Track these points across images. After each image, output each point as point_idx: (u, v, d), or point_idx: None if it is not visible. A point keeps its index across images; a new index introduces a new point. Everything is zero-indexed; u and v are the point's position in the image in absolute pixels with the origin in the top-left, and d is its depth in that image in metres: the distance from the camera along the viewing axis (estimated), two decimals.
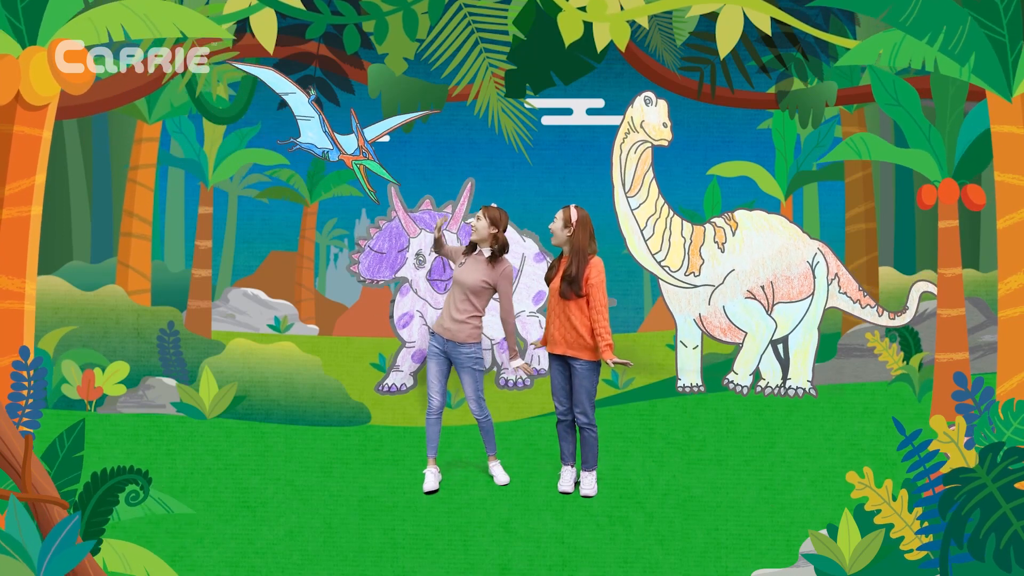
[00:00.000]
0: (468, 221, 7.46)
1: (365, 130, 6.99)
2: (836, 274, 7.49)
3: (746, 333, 7.36)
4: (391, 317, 7.62)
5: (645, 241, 7.21)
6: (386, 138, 7.31)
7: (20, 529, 3.85)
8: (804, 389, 7.30)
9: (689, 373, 7.41)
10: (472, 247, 5.87)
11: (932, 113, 6.71)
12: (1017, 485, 4.03)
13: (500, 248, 5.79)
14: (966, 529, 4.05)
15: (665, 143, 7.16)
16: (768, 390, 7.36)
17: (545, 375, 7.63)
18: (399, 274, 7.57)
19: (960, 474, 4.11)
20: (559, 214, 5.68)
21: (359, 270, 7.58)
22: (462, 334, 5.78)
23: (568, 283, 5.57)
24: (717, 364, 7.68)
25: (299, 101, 6.98)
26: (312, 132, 6.99)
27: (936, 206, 6.75)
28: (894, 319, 7.51)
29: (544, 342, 5.83)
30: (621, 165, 7.13)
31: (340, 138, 7.00)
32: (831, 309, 7.52)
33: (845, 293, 7.49)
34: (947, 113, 6.55)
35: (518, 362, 5.76)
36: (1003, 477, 4.05)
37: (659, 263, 7.26)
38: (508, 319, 5.78)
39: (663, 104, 7.18)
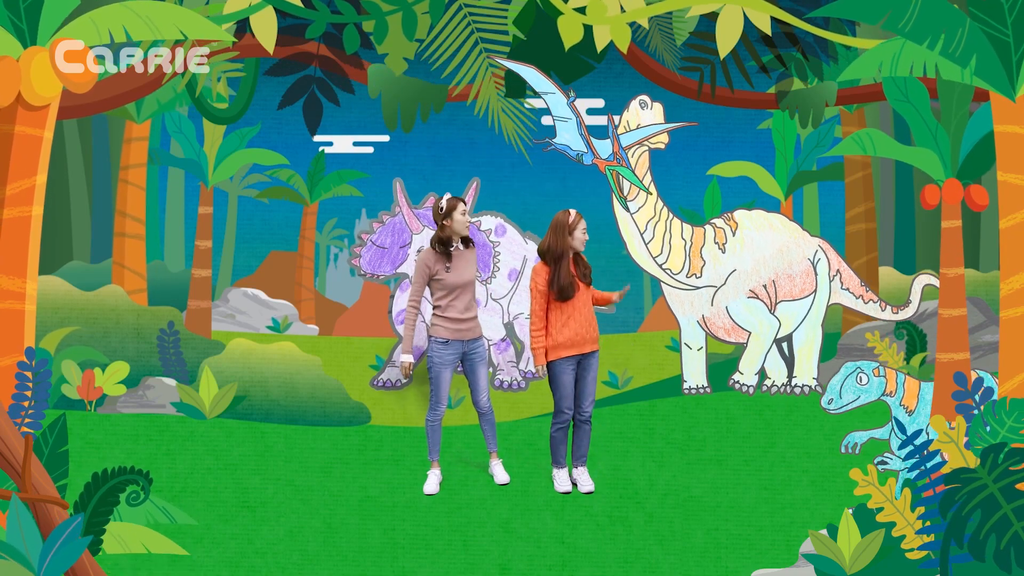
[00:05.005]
0: (473, 221, 7.47)
1: (621, 137, 6.99)
2: (838, 270, 7.49)
3: (750, 333, 7.36)
4: (389, 312, 7.62)
5: (646, 245, 7.21)
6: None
7: (21, 530, 3.85)
8: (810, 387, 7.30)
9: (695, 375, 7.41)
10: (446, 248, 5.81)
11: (939, 113, 6.71)
12: (1018, 486, 4.04)
13: (458, 234, 5.83)
14: (967, 529, 4.05)
15: (662, 146, 7.17)
16: (774, 389, 7.35)
17: (540, 378, 7.60)
18: (400, 269, 7.57)
19: (961, 474, 4.11)
20: (583, 222, 5.71)
21: (360, 263, 7.58)
22: (479, 328, 5.91)
23: (583, 278, 5.75)
24: (717, 364, 7.68)
25: (558, 102, 7.02)
26: (568, 134, 7.02)
27: (939, 206, 6.74)
28: (897, 313, 7.51)
29: (546, 357, 5.73)
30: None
31: (595, 142, 7.01)
32: (831, 308, 7.52)
33: (847, 289, 7.49)
34: (952, 113, 6.55)
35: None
36: (1004, 478, 4.05)
37: (660, 266, 7.26)
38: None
39: (658, 107, 7.19)
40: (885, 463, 5.71)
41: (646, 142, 7.14)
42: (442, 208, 5.77)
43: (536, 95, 7.30)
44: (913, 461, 4.35)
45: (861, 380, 5.67)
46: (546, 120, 8.48)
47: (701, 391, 7.38)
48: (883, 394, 5.72)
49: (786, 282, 7.41)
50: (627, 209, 7.12)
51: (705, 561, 5.07)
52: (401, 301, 7.54)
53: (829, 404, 5.74)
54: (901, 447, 4.45)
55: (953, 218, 6.65)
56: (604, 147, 7.10)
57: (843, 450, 5.89)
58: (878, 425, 5.95)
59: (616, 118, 7.23)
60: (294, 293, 9.61)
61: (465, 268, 5.80)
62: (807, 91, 7.68)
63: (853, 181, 9.08)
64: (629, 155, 7.11)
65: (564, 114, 7.05)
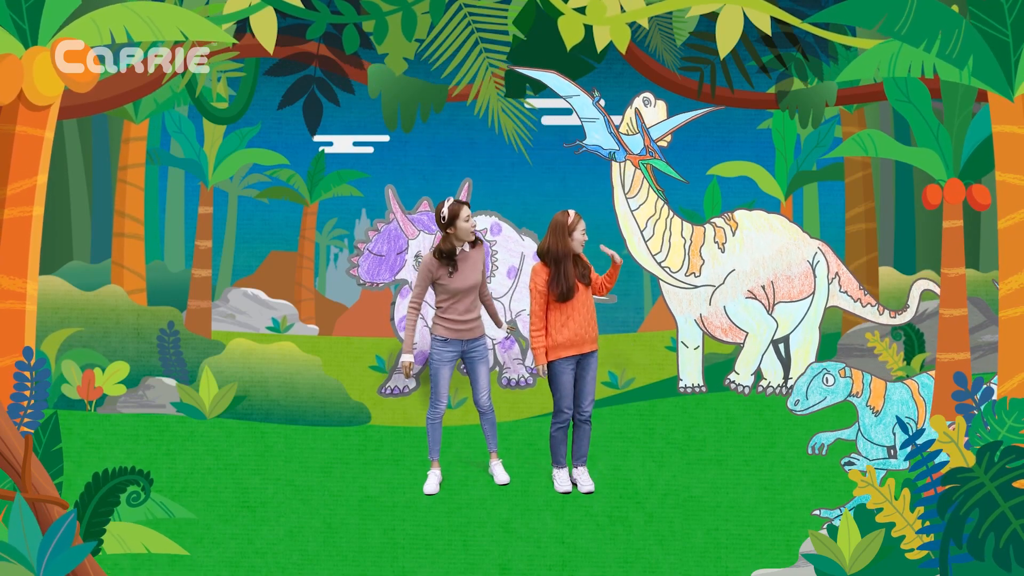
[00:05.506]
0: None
1: (651, 130, 7.01)
2: (837, 273, 7.49)
3: (747, 333, 7.36)
4: (392, 319, 7.63)
5: (645, 242, 7.22)
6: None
7: (23, 530, 3.86)
8: None
9: (690, 374, 7.41)
10: (450, 256, 5.73)
11: (940, 113, 6.71)
12: (1015, 484, 4.04)
13: (463, 241, 5.78)
14: (965, 529, 4.05)
15: (664, 144, 7.19)
16: (770, 390, 7.36)
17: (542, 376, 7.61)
18: (398, 276, 7.58)
19: (958, 474, 4.12)
20: (582, 223, 5.69)
21: (358, 273, 7.59)
22: (480, 328, 5.89)
23: (582, 278, 5.72)
24: (718, 364, 7.68)
25: (584, 103, 7.06)
26: (598, 134, 7.05)
27: (940, 206, 6.74)
28: (895, 318, 7.51)
29: (548, 356, 5.73)
30: (620, 166, 7.14)
31: (625, 138, 7.03)
32: (831, 309, 7.52)
33: (846, 292, 7.49)
34: (955, 113, 6.56)
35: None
36: (1001, 476, 4.05)
37: (659, 264, 7.27)
38: (487, 292, 6.05)
39: (661, 105, 7.22)
40: (852, 463, 5.74)
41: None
42: (444, 216, 5.66)
43: (545, 96, 7.31)
44: (916, 460, 4.35)
45: (827, 381, 5.69)
46: (547, 120, 8.52)
47: (696, 390, 7.38)
48: (849, 395, 5.75)
49: (784, 283, 7.41)
50: (665, 201, 7.15)
51: (705, 561, 5.07)
52: (403, 307, 7.54)
53: (796, 405, 5.77)
54: (903, 446, 4.45)
55: (954, 218, 6.65)
56: (634, 142, 7.12)
57: (810, 451, 5.92)
58: (845, 426, 5.98)
59: (617, 118, 7.25)
60: (294, 293, 9.62)
61: (470, 272, 5.77)
62: (807, 91, 7.68)
63: (853, 181, 9.08)
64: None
65: (591, 115, 7.08)
